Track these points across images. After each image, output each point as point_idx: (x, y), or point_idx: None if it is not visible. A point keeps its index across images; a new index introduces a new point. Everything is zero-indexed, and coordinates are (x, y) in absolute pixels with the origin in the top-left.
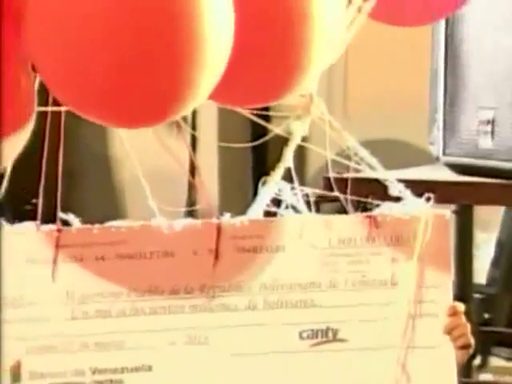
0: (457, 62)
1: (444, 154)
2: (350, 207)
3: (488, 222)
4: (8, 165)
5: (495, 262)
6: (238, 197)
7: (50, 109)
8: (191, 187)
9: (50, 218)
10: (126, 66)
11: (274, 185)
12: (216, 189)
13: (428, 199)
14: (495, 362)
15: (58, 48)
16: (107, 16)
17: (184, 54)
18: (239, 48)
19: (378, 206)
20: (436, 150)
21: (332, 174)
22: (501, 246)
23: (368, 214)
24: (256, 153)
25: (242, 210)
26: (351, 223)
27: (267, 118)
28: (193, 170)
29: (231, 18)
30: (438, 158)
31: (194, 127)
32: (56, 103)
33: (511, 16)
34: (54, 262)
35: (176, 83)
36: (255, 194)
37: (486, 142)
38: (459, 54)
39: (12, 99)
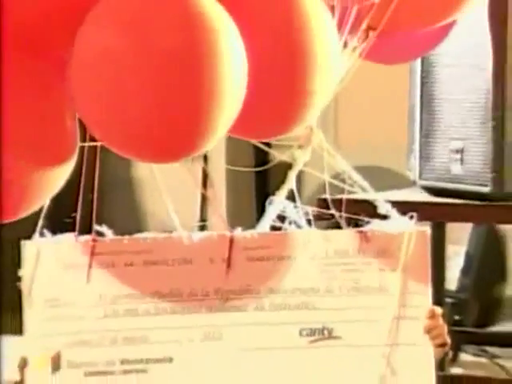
0: (431, 101)
1: (420, 178)
2: (344, 224)
3: (458, 237)
4: (55, 189)
5: (464, 272)
6: (243, 213)
7: (87, 144)
8: (203, 205)
9: (86, 229)
10: (157, 110)
11: (279, 203)
12: (224, 206)
13: (411, 217)
14: (464, 357)
15: (99, 95)
16: (142, 68)
17: (207, 101)
18: (252, 90)
19: (368, 222)
20: (413, 175)
21: (328, 195)
22: (469, 257)
23: (359, 229)
24: (258, 175)
25: (246, 224)
26: (345, 237)
27: (269, 145)
28: (205, 186)
29: (245, 66)
30: (415, 182)
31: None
32: (92, 139)
33: (475, 61)
34: (89, 267)
35: (200, 124)
36: (258, 211)
37: (456, 169)
38: (433, 94)
39: (59, 137)
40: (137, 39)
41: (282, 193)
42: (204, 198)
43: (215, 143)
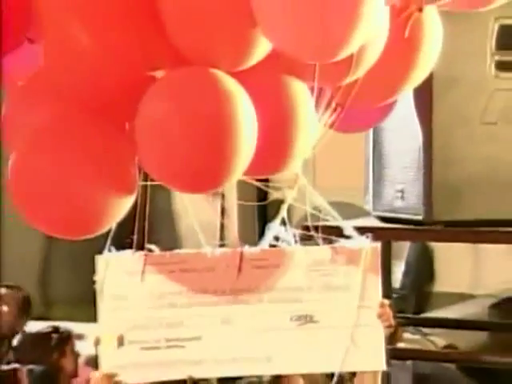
0: (380, 155)
1: (374, 210)
2: (320, 242)
3: (401, 250)
4: (121, 215)
5: (405, 275)
6: (249, 235)
7: (141, 183)
8: (222, 229)
9: (140, 247)
10: (197, 158)
11: (274, 228)
12: (236, 230)
13: (367, 237)
14: (405, 335)
15: (156, 148)
16: (186, 128)
17: (230, 151)
18: (258, 144)
19: (337, 241)
20: (369, 208)
21: (310, 223)
22: (408, 264)
23: (332, 245)
24: (260, 208)
25: (251, 243)
26: (321, 251)
27: (267, 186)
28: (223, 216)
29: (255, 129)
30: (370, 213)
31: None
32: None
33: (410, 127)
34: (142, 273)
35: (225, 167)
36: (259, 233)
37: (398, 203)
38: (381, 150)
39: (125, 178)
40: (182, 108)
41: (277, 220)
42: (222, 225)
43: (235, 181)
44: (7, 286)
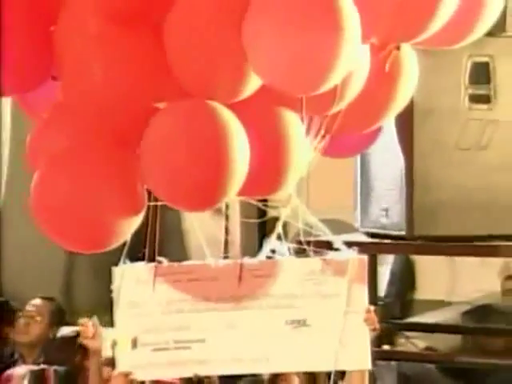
0: (367, 177)
1: (361, 226)
2: (312, 254)
3: (386, 261)
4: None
5: (389, 284)
6: (249, 248)
7: (152, 203)
8: (226, 244)
9: (151, 259)
10: (194, 179)
11: (272, 242)
12: (238, 244)
13: (354, 250)
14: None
15: (161, 171)
16: (189, 152)
17: (224, 174)
18: (251, 168)
19: (327, 253)
20: (357, 224)
21: (302, 238)
22: (392, 275)
23: (322, 257)
24: (260, 224)
25: (251, 255)
26: (313, 262)
27: (266, 205)
28: (227, 232)
29: (247, 155)
30: (358, 229)
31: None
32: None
33: (394, 152)
34: (154, 282)
35: (220, 188)
36: (259, 246)
37: (383, 220)
38: (367, 173)
39: (135, 201)
40: (182, 136)
41: (274, 236)
42: (226, 240)
43: (231, 198)
44: (42, 298)
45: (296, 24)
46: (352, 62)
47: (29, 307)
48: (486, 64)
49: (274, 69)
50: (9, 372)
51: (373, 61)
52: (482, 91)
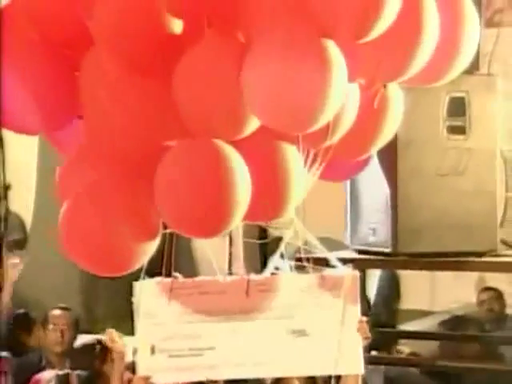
0: (356, 200)
1: (351, 244)
2: (310, 270)
3: (374, 275)
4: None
5: (377, 296)
6: (253, 266)
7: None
8: (230, 260)
9: (167, 275)
10: (201, 210)
11: (275, 260)
12: (242, 261)
13: (348, 266)
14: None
15: (171, 206)
16: (195, 189)
17: (228, 205)
18: (254, 197)
19: (324, 269)
20: (347, 242)
21: (302, 255)
22: (379, 287)
23: (320, 273)
24: (262, 245)
25: (256, 271)
26: (311, 278)
27: (268, 226)
28: (231, 254)
29: (249, 187)
30: (348, 247)
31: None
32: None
33: (380, 177)
34: (169, 296)
35: (224, 217)
36: (261, 264)
37: (371, 239)
38: (357, 197)
39: (150, 229)
40: (190, 170)
41: (277, 253)
42: (230, 257)
43: (236, 225)
44: (60, 308)
45: (287, 73)
46: (339, 103)
47: (55, 319)
48: (462, 99)
49: (270, 111)
50: (37, 376)
51: (362, 98)
52: (458, 123)
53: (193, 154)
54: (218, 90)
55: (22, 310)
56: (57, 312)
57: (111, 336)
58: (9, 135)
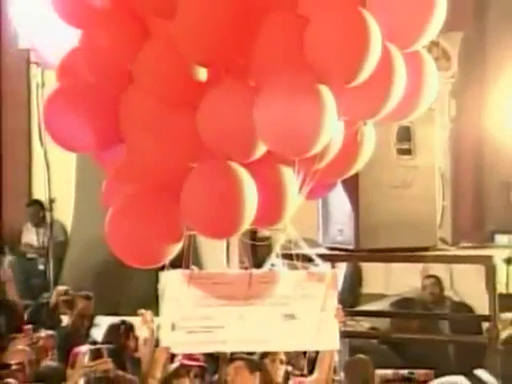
0: (326, 207)
1: (323, 242)
2: (300, 266)
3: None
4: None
5: (343, 283)
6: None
7: (186, 233)
8: (228, 256)
9: (186, 267)
10: (218, 218)
11: (272, 258)
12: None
13: (332, 266)
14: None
15: (194, 212)
16: (213, 202)
17: (239, 214)
18: (259, 209)
19: (308, 266)
20: (320, 241)
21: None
22: (345, 276)
23: (308, 270)
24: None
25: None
26: (301, 273)
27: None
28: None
29: (256, 200)
30: (320, 244)
31: None
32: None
33: (344, 193)
34: (188, 283)
35: (239, 222)
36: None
37: (339, 238)
38: (327, 204)
39: (176, 233)
40: (209, 187)
41: (273, 254)
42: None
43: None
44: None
45: (290, 112)
46: (330, 135)
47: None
48: (408, 128)
49: (276, 140)
50: (76, 350)
51: (345, 133)
52: (405, 146)
53: (212, 174)
54: (234, 122)
55: (64, 297)
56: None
57: (145, 316)
58: (52, 159)
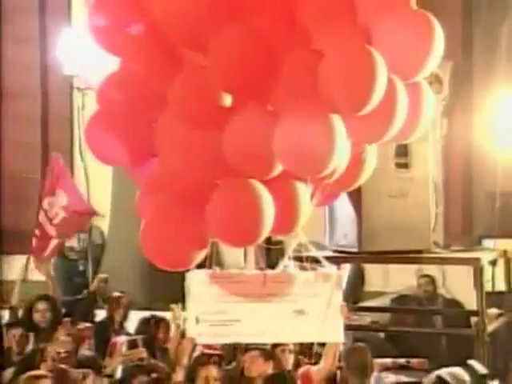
0: (332, 214)
1: (329, 245)
2: (308, 267)
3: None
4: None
5: (347, 282)
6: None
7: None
8: (245, 257)
9: (209, 268)
10: (241, 228)
11: (284, 261)
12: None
13: (338, 268)
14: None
15: (220, 224)
16: (237, 216)
17: (259, 225)
18: (276, 219)
19: (316, 267)
20: (326, 244)
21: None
22: (349, 276)
23: (315, 271)
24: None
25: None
26: (310, 274)
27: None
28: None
29: (273, 212)
30: (327, 247)
31: None
32: None
33: (347, 200)
34: (210, 283)
35: (259, 232)
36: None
37: (343, 241)
38: (333, 211)
39: (202, 242)
40: (232, 202)
41: (286, 256)
42: (245, 255)
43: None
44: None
45: (306, 136)
46: (340, 158)
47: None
48: (406, 145)
49: (293, 161)
50: (114, 340)
51: (351, 153)
52: (403, 160)
53: (235, 189)
54: (255, 144)
55: (103, 284)
56: (117, 294)
57: (175, 311)
58: (91, 172)
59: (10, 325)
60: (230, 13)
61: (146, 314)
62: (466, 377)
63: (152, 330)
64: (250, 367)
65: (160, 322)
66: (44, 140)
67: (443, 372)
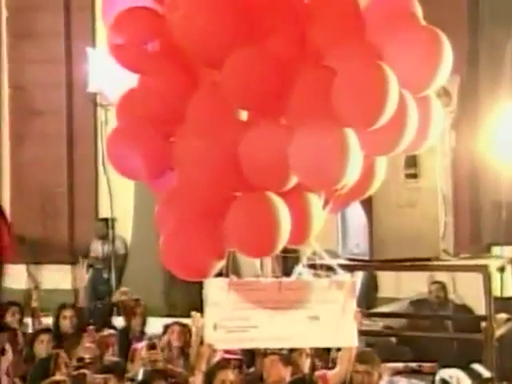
0: (345, 223)
1: (342, 254)
2: (323, 275)
3: (358, 275)
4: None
5: (361, 289)
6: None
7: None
8: (262, 265)
9: (226, 276)
10: (260, 240)
11: (299, 268)
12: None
13: (351, 275)
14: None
15: (238, 237)
16: (254, 227)
17: (277, 236)
18: (292, 230)
19: (330, 274)
20: (339, 252)
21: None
22: (362, 283)
23: (329, 278)
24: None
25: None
26: (324, 282)
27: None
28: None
29: (290, 223)
30: (340, 256)
31: None
32: None
33: (360, 211)
34: (228, 289)
35: (276, 243)
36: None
37: (356, 250)
38: (345, 220)
39: (220, 252)
40: (250, 215)
41: (300, 265)
42: (262, 263)
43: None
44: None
45: (320, 151)
46: (354, 171)
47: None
48: (415, 156)
49: (307, 174)
50: (135, 345)
51: (363, 164)
52: (412, 171)
53: (253, 202)
54: (271, 157)
55: (125, 296)
56: (131, 303)
57: (195, 318)
58: (114, 185)
59: (38, 332)
60: (245, 33)
61: (168, 320)
62: (465, 377)
63: (173, 335)
64: (270, 372)
65: (181, 327)
66: (69, 155)
67: (443, 373)
